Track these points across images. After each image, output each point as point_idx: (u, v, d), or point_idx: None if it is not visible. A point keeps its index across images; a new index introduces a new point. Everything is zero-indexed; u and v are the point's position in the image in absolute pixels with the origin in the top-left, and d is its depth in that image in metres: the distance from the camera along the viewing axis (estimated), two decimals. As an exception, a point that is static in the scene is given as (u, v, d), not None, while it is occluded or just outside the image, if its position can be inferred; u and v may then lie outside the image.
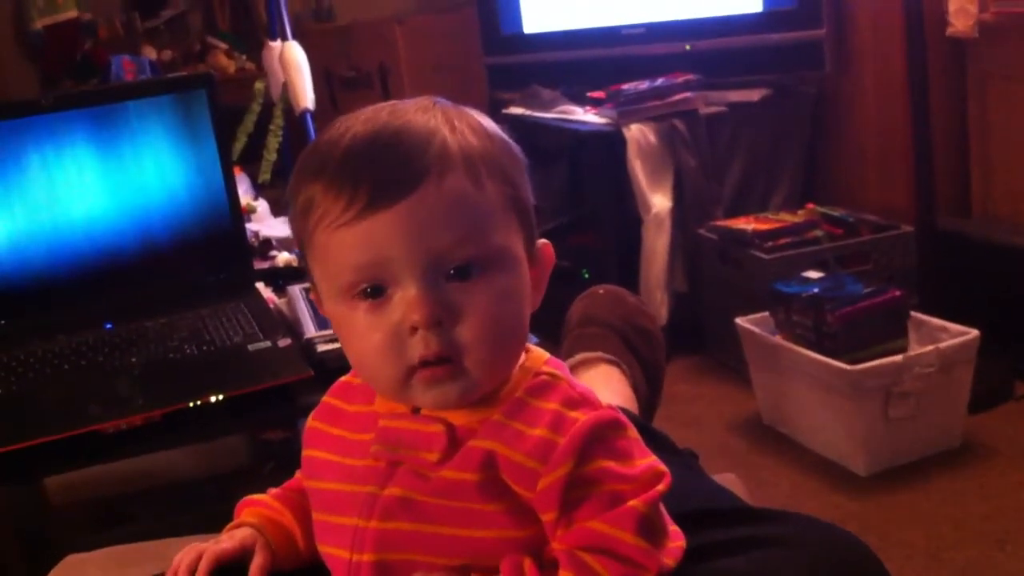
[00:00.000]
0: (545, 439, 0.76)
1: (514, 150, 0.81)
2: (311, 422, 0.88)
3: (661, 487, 0.77)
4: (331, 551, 0.83)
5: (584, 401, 0.79)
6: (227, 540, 0.89)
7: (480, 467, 0.77)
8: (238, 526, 0.91)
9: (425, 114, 0.78)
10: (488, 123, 0.81)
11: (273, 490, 0.94)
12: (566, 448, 0.75)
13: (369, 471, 0.81)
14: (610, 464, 0.76)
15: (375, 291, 0.76)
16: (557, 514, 0.75)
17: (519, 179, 0.80)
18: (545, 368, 0.82)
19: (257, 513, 0.92)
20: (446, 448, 0.78)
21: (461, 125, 0.78)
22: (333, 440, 0.85)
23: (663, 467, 0.79)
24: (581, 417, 0.77)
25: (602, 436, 0.77)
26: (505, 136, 0.82)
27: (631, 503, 0.75)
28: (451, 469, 0.78)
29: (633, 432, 0.80)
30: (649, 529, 0.76)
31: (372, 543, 0.79)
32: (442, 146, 0.76)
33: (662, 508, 0.79)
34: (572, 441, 0.76)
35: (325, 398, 0.88)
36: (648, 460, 0.79)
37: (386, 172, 0.75)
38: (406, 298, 0.75)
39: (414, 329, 0.75)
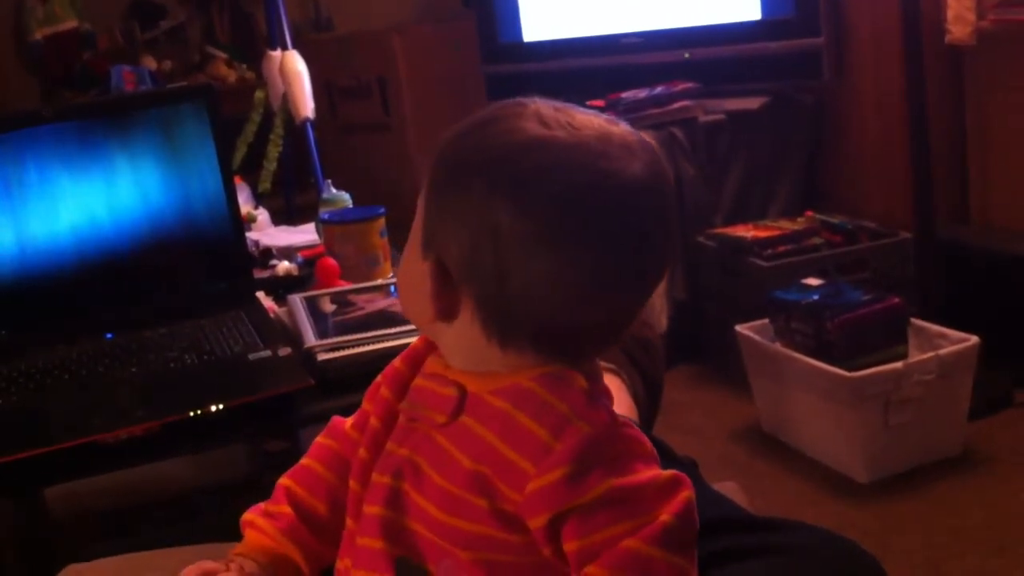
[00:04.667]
0: (544, 442, 0.73)
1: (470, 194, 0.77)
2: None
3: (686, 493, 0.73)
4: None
5: (588, 412, 0.75)
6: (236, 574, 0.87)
7: (475, 461, 0.76)
8: (246, 554, 0.89)
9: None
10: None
11: (282, 512, 0.91)
12: (562, 456, 0.72)
13: (398, 429, 0.83)
14: (617, 480, 0.72)
15: None
16: (577, 544, 0.72)
17: (449, 209, 0.78)
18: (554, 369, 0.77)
19: (264, 549, 0.89)
20: (453, 412, 0.79)
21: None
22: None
23: (681, 477, 0.75)
24: (585, 428, 0.73)
25: (607, 455, 0.73)
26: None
27: (662, 517, 0.71)
28: (449, 440, 0.78)
29: (641, 448, 0.76)
30: (680, 543, 0.72)
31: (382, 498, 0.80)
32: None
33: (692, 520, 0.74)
34: (567, 451, 0.73)
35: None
36: (663, 474, 0.74)
37: None
38: None
39: None
